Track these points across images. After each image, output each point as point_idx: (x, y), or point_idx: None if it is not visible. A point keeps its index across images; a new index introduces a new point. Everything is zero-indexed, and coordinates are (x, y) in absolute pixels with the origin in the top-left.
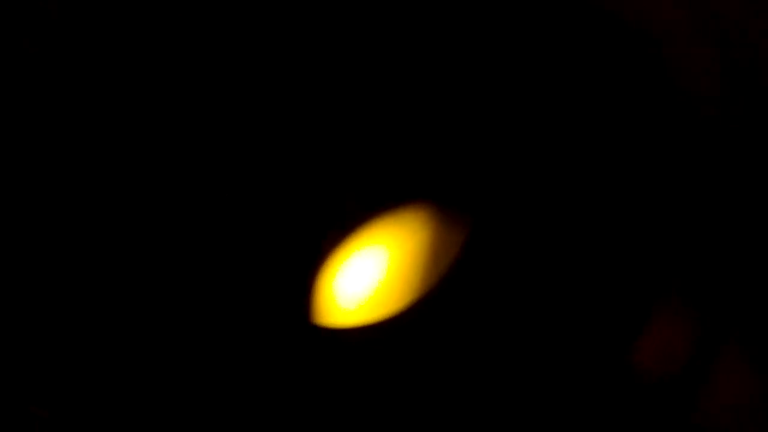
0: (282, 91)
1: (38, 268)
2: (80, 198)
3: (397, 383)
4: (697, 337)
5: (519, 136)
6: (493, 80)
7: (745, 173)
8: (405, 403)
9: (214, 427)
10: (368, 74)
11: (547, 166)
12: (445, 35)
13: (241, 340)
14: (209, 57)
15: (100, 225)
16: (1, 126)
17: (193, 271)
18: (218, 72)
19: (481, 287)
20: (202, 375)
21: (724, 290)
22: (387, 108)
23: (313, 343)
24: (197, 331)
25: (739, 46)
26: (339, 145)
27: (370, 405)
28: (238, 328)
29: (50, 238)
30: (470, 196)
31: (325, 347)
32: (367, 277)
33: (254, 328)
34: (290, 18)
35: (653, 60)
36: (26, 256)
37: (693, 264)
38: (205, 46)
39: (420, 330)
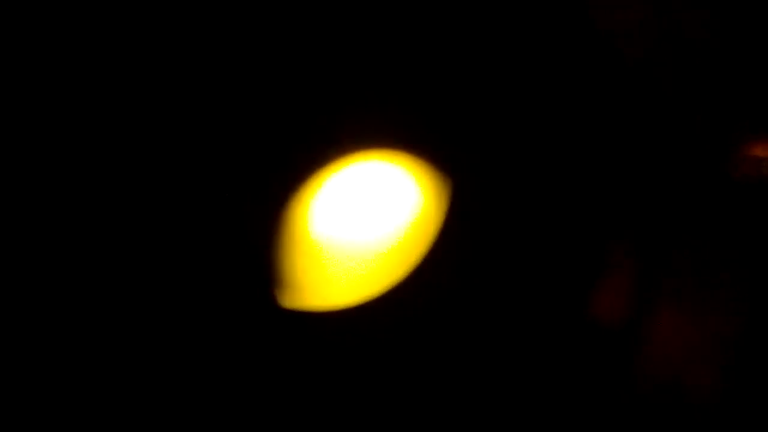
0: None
1: None
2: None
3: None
4: (639, 290)
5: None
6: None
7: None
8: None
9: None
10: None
11: (513, 140)
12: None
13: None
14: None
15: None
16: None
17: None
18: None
19: (459, 247)
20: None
21: (660, 249)
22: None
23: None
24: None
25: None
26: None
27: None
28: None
29: None
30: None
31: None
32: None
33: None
34: None
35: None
36: None
37: (636, 229)
38: None
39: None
